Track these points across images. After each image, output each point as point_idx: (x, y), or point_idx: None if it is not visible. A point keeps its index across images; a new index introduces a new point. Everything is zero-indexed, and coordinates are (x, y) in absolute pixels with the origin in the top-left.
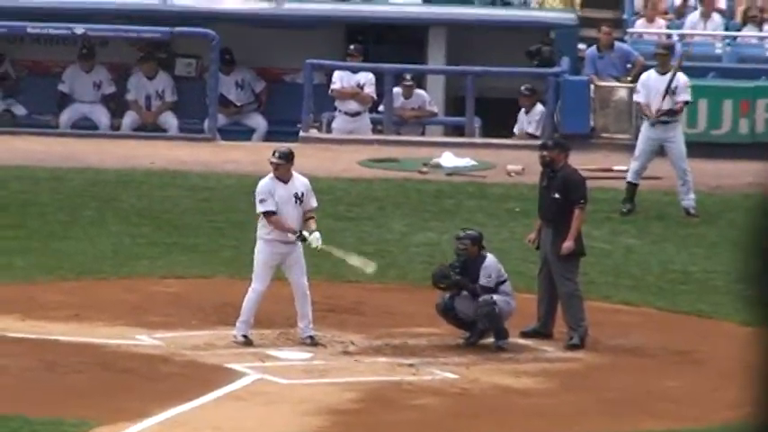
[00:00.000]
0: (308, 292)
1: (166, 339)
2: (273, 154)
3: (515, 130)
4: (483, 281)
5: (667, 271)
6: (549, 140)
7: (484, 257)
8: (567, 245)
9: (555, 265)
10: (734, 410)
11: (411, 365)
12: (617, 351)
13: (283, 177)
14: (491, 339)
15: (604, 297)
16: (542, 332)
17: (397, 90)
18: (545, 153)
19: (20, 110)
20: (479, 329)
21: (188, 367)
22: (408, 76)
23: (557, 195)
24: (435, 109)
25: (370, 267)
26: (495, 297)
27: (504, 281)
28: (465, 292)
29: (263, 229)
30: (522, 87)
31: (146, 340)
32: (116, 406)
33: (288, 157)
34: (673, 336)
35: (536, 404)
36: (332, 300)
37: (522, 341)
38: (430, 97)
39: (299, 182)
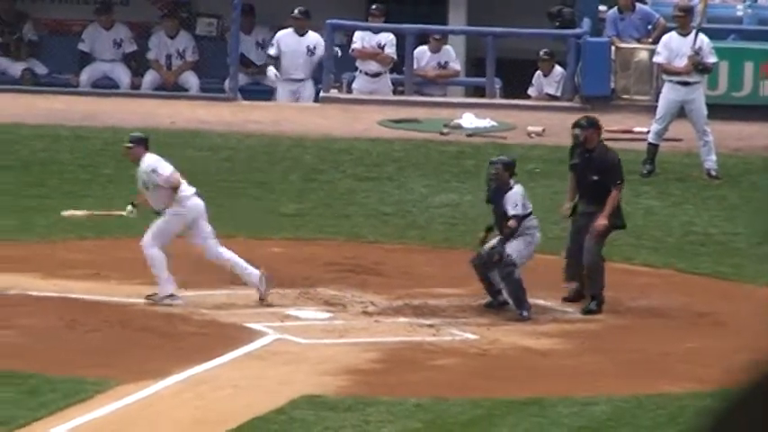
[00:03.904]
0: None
1: (186, 298)
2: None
3: (531, 92)
4: (511, 210)
5: (688, 233)
6: (582, 119)
7: (511, 187)
8: (601, 222)
9: (589, 237)
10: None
11: (431, 326)
12: (637, 312)
13: (135, 161)
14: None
15: (625, 259)
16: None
17: (422, 48)
18: (578, 132)
19: (41, 69)
20: (501, 300)
21: (208, 326)
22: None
23: (595, 177)
24: (458, 67)
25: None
26: (513, 254)
27: (529, 214)
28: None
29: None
30: (541, 52)
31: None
32: (136, 365)
33: (137, 141)
34: (693, 297)
35: (555, 365)
36: (352, 260)
37: (541, 302)
38: (458, 63)
39: (143, 165)
